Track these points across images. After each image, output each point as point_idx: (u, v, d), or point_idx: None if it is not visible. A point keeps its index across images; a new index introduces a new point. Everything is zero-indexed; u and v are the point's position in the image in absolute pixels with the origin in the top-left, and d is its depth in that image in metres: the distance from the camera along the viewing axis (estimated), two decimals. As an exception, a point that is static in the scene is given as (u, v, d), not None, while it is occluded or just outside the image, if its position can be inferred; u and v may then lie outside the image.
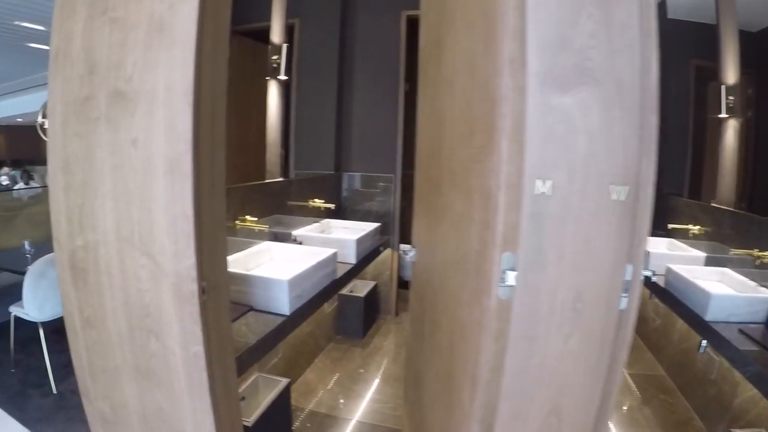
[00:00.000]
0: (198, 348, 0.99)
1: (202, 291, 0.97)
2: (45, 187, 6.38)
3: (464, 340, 1.04)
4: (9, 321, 2.70)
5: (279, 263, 2.13)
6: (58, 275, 1.16)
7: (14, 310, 2.52)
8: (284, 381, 1.86)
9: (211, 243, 1.01)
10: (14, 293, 2.70)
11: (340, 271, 2.23)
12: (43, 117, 3.45)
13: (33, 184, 7.07)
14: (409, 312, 1.80)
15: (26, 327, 2.57)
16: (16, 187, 6.36)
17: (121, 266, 1.03)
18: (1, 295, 2.84)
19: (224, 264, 1.10)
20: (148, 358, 1.06)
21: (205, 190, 0.97)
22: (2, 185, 7.95)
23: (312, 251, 2.12)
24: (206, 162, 0.97)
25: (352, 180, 3.42)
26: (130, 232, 1.01)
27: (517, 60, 0.81)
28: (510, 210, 0.84)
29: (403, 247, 1.74)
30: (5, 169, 9.71)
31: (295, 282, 1.67)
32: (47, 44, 1.10)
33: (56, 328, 2.23)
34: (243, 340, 1.41)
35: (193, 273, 0.95)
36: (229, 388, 1.13)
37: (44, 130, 3.68)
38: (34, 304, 2.38)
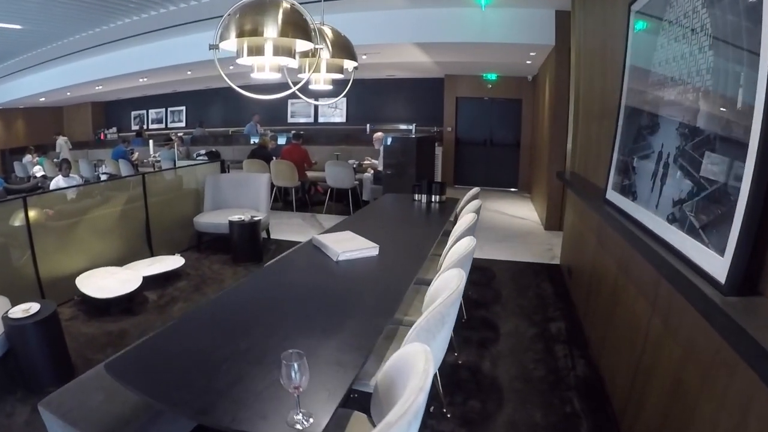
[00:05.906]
0: None
1: None
2: (95, 182, 5.08)
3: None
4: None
5: None
6: None
7: None
8: None
9: None
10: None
11: None
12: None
13: (72, 175, 6.17)
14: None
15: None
16: (53, 185, 5.68)
17: None
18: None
19: None
20: None
21: None
22: (37, 177, 7.27)
23: None
24: None
25: None
26: None
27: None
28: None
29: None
30: (28, 157, 9.03)
31: None
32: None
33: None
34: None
35: None
36: None
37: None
38: None
